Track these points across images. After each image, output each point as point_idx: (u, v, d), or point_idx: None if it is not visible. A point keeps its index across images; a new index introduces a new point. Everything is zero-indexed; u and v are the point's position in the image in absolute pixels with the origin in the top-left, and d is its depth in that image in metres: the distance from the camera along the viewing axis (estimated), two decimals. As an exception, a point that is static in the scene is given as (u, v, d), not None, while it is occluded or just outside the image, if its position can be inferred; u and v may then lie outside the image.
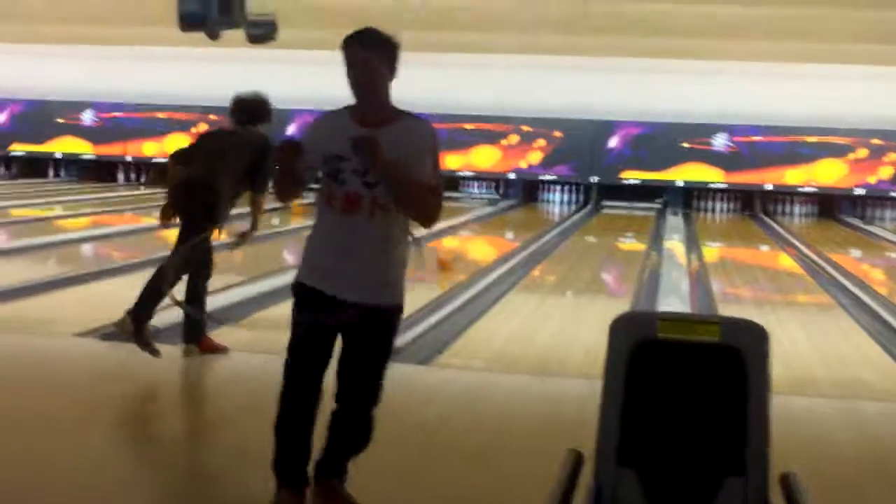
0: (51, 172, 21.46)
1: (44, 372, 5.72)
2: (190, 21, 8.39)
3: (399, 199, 3.36)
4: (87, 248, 11.90)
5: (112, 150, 20.74)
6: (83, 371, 5.78)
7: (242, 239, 6.23)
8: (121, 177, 21.10)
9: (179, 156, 6.04)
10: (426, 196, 3.41)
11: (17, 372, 5.69)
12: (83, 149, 20.89)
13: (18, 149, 21.18)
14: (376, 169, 3.32)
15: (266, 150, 5.78)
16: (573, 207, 18.90)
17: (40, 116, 20.90)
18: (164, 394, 5.59)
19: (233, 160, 5.89)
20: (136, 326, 5.69)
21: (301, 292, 3.49)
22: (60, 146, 21.01)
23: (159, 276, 5.84)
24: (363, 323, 3.44)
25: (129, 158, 20.79)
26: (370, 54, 3.36)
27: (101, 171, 20.92)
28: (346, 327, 3.46)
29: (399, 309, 3.54)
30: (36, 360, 5.97)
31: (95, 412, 4.94)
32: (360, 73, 3.36)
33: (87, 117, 20.87)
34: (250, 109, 6.09)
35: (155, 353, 5.70)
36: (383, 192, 3.36)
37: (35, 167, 21.22)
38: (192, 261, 5.89)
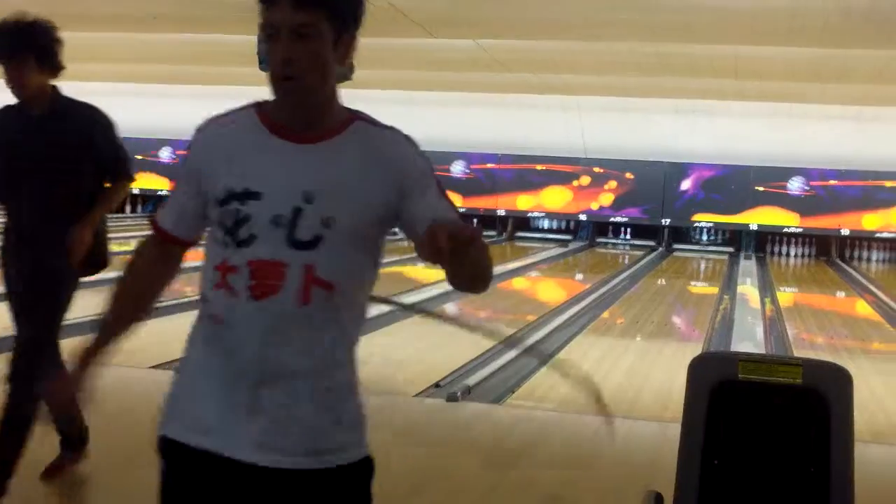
0: (128, 208, 21.91)
1: (121, 403, 5.80)
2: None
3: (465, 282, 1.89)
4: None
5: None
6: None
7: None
8: (196, 214, 21.46)
9: None
10: (488, 255, 1.88)
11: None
12: (161, 185, 21.32)
13: (98, 185, 21.62)
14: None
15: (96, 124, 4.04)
16: (644, 250, 18.78)
17: (120, 153, 21.35)
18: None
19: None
20: None
21: (172, 456, 2.00)
22: (139, 183, 21.36)
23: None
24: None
25: (204, 196, 21.13)
26: (312, 16, 1.83)
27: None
28: None
29: (367, 465, 1.94)
30: (114, 391, 6.05)
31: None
32: (291, 48, 1.82)
33: (165, 155, 21.30)
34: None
35: None
36: (327, 255, 1.84)
37: (114, 203, 21.65)
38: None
